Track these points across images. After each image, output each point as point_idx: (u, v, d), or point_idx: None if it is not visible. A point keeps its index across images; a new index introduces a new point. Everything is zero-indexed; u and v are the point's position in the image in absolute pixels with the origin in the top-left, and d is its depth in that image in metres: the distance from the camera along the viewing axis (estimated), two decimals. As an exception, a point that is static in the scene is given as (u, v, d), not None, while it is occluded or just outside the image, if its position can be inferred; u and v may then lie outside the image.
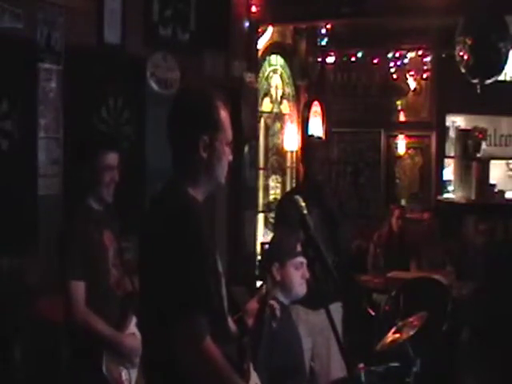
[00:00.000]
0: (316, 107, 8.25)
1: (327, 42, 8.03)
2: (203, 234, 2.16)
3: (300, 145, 7.36)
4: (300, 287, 3.16)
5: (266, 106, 7.37)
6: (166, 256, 2.13)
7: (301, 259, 3.13)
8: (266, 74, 7.31)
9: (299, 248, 3.14)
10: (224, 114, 2.28)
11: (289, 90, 7.84)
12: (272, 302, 2.80)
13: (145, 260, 2.27)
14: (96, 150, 3.33)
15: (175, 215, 2.15)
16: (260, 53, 6.73)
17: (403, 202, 8.47)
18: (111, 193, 3.38)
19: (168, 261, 2.11)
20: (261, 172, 7.18)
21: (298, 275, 3.13)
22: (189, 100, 2.34)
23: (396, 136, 8.62)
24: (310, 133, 7.90)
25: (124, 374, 3.36)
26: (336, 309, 4.31)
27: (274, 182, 7.65)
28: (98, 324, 3.24)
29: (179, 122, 2.30)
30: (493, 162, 7.96)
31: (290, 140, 7.69)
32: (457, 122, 8.34)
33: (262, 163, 7.24)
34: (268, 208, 7.27)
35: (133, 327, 3.44)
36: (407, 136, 8.58)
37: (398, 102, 8.59)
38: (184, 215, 2.15)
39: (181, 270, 2.09)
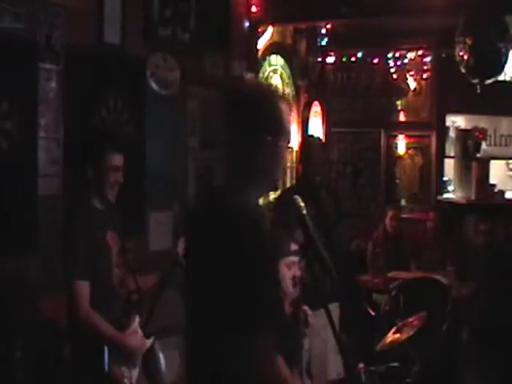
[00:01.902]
0: (316, 107, 8.24)
1: (327, 42, 8.04)
2: (269, 242, 2.05)
3: (299, 145, 7.35)
4: (292, 286, 3.16)
5: (266, 105, 7.35)
6: (237, 269, 1.96)
7: (293, 258, 3.13)
8: (265, 74, 7.31)
9: (293, 247, 3.14)
10: (287, 115, 2.18)
11: (289, 90, 7.83)
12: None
13: (206, 274, 2.06)
14: (102, 151, 3.36)
15: (245, 224, 2.01)
16: (260, 53, 6.72)
17: (403, 202, 8.47)
18: (115, 194, 3.40)
19: (240, 274, 1.95)
20: (261, 172, 7.16)
21: (290, 274, 3.13)
22: (254, 99, 2.18)
23: (396, 136, 8.62)
24: (309, 133, 7.88)
25: (125, 373, 3.37)
26: (334, 309, 4.32)
27: (274, 182, 7.63)
28: (101, 324, 3.26)
29: (243, 123, 2.15)
30: (493, 162, 7.96)
31: (290, 140, 7.67)
32: (457, 122, 8.35)
33: (262, 163, 7.22)
34: (268, 208, 7.26)
35: (136, 326, 3.45)
36: (407, 136, 8.59)
37: (398, 102, 8.60)
38: (253, 223, 2.02)
39: (255, 283, 1.95)
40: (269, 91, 2.23)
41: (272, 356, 1.98)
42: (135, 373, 3.46)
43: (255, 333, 1.94)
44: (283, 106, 2.17)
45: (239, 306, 1.95)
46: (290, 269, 3.14)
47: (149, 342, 3.55)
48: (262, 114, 2.13)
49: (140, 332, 3.47)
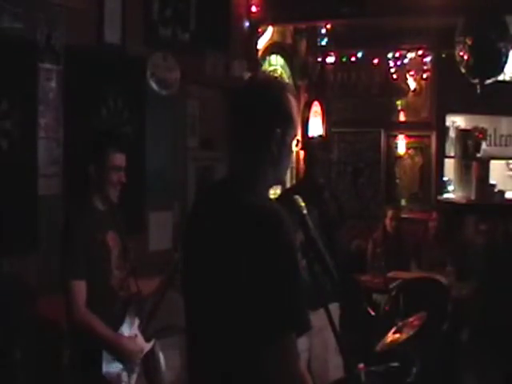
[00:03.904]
0: (316, 107, 8.24)
1: (327, 42, 8.03)
2: (293, 240, 1.97)
3: (300, 145, 7.35)
4: None
5: (266, 105, 7.34)
6: (260, 269, 1.90)
7: None
8: (265, 74, 7.30)
9: None
10: (295, 108, 2.14)
11: (289, 89, 7.81)
12: None
13: (224, 274, 1.98)
14: (105, 150, 3.34)
15: (270, 223, 1.94)
16: (260, 53, 6.72)
17: (403, 202, 8.47)
18: (117, 193, 3.38)
19: (265, 276, 1.90)
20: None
21: None
22: (264, 91, 2.12)
23: (396, 136, 8.62)
24: (311, 134, 7.87)
25: (124, 376, 3.34)
26: (334, 309, 4.31)
27: (274, 182, 7.60)
28: (97, 325, 3.22)
29: (253, 114, 2.09)
30: (493, 162, 7.95)
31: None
32: (457, 122, 8.35)
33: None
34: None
35: (135, 329, 3.42)
36: (407, 136, 8.58)
37: (398, 102, 8.59)
38: (279, 222, 1.95)
39: (285, 284, 1.92)
40: (278, 83, 2.18)
41: (298, 356, 1.96)
42: (133, 377, 3.42)
43: (286, 333, 1.91)
44: (292, 99, 2.13)
45: (270, 306, 1.90)
46: None
47: (148, 345, 3.53)
48: (271, 105, 2.09)
49: (140, 335, 3.44)
